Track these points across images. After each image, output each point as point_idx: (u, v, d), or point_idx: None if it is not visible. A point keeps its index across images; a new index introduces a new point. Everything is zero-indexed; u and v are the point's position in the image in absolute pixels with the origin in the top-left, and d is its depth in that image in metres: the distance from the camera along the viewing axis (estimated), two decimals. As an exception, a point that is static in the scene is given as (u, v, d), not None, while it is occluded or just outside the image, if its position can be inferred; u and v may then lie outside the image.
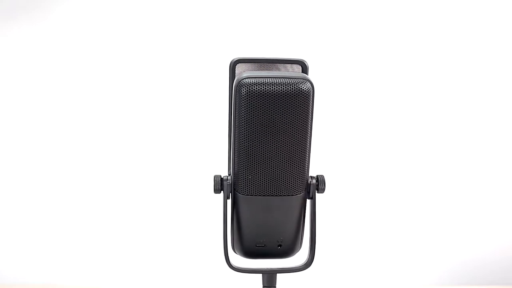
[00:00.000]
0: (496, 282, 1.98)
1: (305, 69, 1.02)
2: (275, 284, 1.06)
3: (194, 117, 2.08)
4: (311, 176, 1.02)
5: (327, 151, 2.02)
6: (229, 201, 1.05)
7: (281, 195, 0.98)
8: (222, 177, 1.04)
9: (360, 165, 2.04)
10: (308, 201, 1.05)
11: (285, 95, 0.91)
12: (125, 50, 2.13)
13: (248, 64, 1.06)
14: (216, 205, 1.07)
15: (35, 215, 2.12)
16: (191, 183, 2.07)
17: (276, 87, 0.91)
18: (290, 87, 0.91)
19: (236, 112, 0.94)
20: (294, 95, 0.91)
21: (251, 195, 1.00)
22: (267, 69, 1.04)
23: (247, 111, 0.93)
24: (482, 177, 2.01)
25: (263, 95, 0.91)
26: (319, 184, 1.02)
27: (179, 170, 2.08)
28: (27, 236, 2.12)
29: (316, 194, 1.03)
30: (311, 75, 1.03)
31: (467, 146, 2.02)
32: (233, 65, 1.05)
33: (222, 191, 1.04)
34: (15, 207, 2.13)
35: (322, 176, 1.02)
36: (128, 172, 2.10)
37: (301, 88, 0.91)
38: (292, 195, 0.99)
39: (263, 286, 1.06)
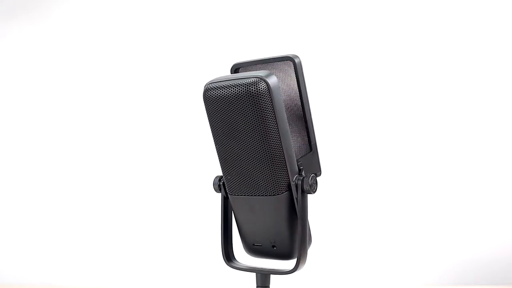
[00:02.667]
0: (496, 282, 1.98)
1: (295, 64, 0.99)
2: (269, 284, 1.05)
3: (200, 119, 2.08)
4: (298, 176, 0.97)
5: (326, 150, 2.02)
6: (229, 200, 1.06)
7: (260, 195, 0.97)
8: (220, 177, 1.05)
9: (360, 165, 2.03)
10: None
11: (236, 97, 0.92)
12: (125, 50, 2.13)
13: (252, 66, 1.06)
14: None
15: (35, 215, 2.12)
16: (198, 182, 2.07)
17: (227, 90, 0.93)
18: (239, 89, 0.92)
19: (207, 116, 0.97)
20: (244, 97, 0.91)
21: (235, 195, 1.01)
22: (262, 69, 1.03)
23: (210, 115, 0.96)
24: (482, 177, 2.00)
25: (217, 99, 0.94)
26: (303, 184, 0.96)
27: (186, 169, 2.08)
28: (27, 236, 2.12)
29: (308, 195, 0.97)
30: (308, 71, 1.02)
31: (467, 146, 2.02)
32: (234, 70, 1.06)
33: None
34: (15, 207, 2.14)
35: (309, 177, 0.97)
36: (130, 173, 2.11)
37: (250, 90, 0.91)
38: (271, 195, 0.96)
39: (257, 286, 1.05)
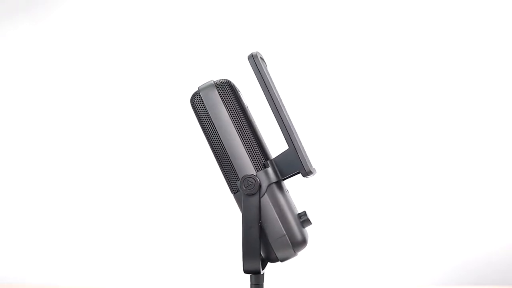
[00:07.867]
0: (498, 282, 1.98)
1: (252, 64, 1.00)
2: (262, 281, 1.05)
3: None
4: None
5: (325, 149, 2.02)
6: None
7: (232, 193, 1.03)
8: None
9: (360, 165, 2.03)
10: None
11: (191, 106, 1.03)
12: (126, 50, 2.13)
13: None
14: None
15: (35, 215, 2.12)
16: (197, 182, 2.07)
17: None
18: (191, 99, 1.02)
19: None
20: (192, 106, 1.02)
21: None
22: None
23: None
24: (482, 177, 2.00)
25: None
26: (240, 184, 0.99)
27: (185, 170, 2.08)
28: (27, 236, 2.12)
29: (260, 197, 0.98)
30: (307, 68, 1.01)
31: (467, 146, 2.01)
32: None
33: None
34: (15, 207, 2.14)
35: (247, 176, 0.98)
36: (130, 172, 2.10)
37: (191, 99, 1.02)
38: (233, 194, 1.01)
39: (251, 284, 1.05)
